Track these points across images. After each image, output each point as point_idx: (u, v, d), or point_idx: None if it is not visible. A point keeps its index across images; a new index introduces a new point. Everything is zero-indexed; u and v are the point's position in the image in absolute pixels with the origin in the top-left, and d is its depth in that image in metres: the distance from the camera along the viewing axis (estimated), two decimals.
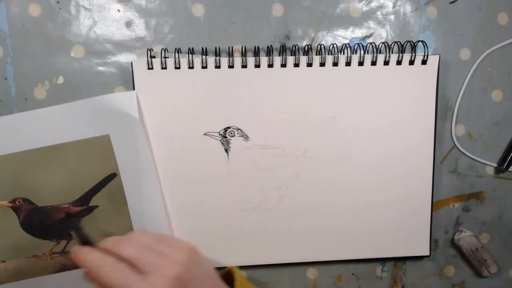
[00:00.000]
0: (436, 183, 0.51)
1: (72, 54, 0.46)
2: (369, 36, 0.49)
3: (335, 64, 0.47)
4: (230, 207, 0.48)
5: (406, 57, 0.47)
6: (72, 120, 0.44)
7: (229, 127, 0.47)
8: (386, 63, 0.47)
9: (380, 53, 0.47)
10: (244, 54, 0.46)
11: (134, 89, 0.45)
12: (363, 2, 0.48)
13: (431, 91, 0.48)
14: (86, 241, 0.46)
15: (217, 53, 0.46)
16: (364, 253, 0.51)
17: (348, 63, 0.47)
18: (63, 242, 0.46)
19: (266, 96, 0.47)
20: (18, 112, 0.45)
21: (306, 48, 0.47)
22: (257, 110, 0.47)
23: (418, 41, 0.48)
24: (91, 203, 0.46)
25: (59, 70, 0.45)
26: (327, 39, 0.48)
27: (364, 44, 0.48)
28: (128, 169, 0.45)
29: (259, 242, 0.50)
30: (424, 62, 0.48)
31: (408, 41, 0.48)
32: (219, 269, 0.49)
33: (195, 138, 0.47)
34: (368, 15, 0.49)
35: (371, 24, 0.49)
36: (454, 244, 0.53)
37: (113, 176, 0.45)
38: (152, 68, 0.45)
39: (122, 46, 0.46)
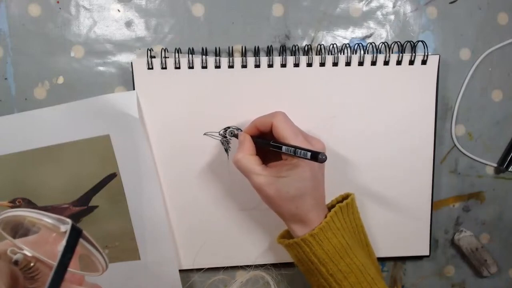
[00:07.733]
0: (436, 183, 0.51)
1: (72, 54, 0.46)
2: (369, 36, 0.49)
3: (335, 64, 0.47)
4: (230, 207, 0.48)
5: (406, 57, 0.47)
6: (72, 120, 0.44)
7: (229, 127, 0.47)
8: (386, 63, 0.47)
9: (380, 53, 0.47)
10: (244, 54, 0.46)
11: (134, 89, 0.45)
12: (363, 2, 0.48)
13: (431, 91, 0.48)
14: None
15: (217, 53, 0.46)
16: None
17: (348, 63, 0.47)
18: None
19: (266, 96, 0.47)
20: (18, 112, 0.45)
21: (306, 48, 0.47)
22: (257, 110, 0.47)
23: (418, 41, 0.48)
24: (91, 203, 0.46)
25: (59, 70, 0.45)
26: (327, 39, 0.48)
27: (364, 44, 0.48)
28: (128, 169, 0.45)
29: (259, 242, 0.50)
30: (424, 62, 0.47)
31: (408, 41, 0.48)
32: (220, 269, 0.50)
33: (195, 138, 0.47)
34: (368, 15, 0.49)
35: (371, 24, 0.49)
36: (454, 244, 0.53)
37: (113, 176, 0.45)
38: (152, 68, 0.45)
39: (122, 46, 0.46)
